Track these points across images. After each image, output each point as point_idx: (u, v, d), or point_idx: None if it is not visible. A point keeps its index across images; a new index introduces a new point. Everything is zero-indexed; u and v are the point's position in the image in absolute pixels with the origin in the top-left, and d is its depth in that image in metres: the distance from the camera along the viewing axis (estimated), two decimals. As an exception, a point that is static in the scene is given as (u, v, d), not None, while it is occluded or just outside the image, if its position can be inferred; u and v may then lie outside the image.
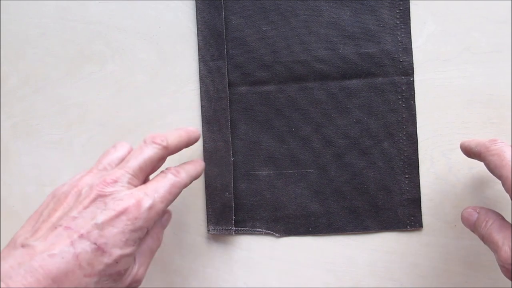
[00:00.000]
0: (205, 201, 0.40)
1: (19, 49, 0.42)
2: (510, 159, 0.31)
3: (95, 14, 0.41)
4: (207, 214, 0.40)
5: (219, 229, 0.40)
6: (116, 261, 0.27)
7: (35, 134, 0.42)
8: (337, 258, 0.40)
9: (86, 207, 0.28)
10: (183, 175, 0.32)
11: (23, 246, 0.27)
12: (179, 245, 0.41)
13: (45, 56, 0.42)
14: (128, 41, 0.41)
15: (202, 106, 0.40)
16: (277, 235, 0.40)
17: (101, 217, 0.27)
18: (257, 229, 0.40)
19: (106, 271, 0.27)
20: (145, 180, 0.32)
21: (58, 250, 0.26)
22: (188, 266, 0.41)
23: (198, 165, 0.35)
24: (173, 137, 0.33)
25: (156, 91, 0.41)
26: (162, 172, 0.32)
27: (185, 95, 0.41)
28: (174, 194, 0.31)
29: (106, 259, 0.27)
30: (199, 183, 0.40)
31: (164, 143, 0.31)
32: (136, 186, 0.30)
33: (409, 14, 0.39)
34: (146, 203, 0.28)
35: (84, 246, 0.26)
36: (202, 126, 0.40)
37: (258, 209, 0.40)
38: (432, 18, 0.39)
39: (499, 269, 0.31)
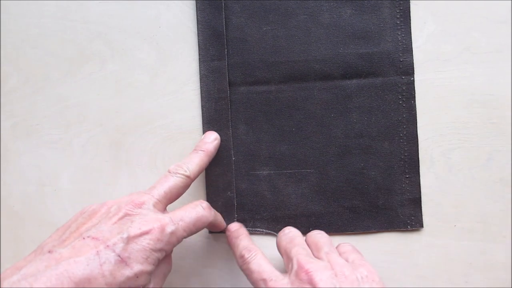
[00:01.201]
0: (205, 200, 0.40)
1: (19, 49, 0.42)
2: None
3: (95, 14, 0.41)
4: (207, 214, 0.40)
5: (220, 229, 0.40)
6: (137, 276, 0.28)
7: (35, 134, 0.42)
8: (337, 258, 0.40)
9: (114, 223, 0.30)
10: (213, 213, 0.35)
11: (50, 252, 0.28)
12: (179, 245, 0.41)
13: (45, 56, 0.42)
14: (128, 41, 0.41)
15: (202, 106, 0.40)
16: (277, 235, 0.40)
17: (127, 233, 0.29)
18: (258, 229, 0.40)
19: (126, 284, 0.28)
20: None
21: (84, 257, 0.28)
22: (188, 266, 0.41)
23: None
24: (194, 165, 0.36)
25: (156, 91, 0.41)
26: (193, 203, 0.34)
27: (185, 95, 0.41)
28: (198, 227, 0.33)
29: (128, 272, 0.28)
30: (200, 183, 0.40)
31: (187, 173, 0.35)
32: (160, 210, 0.33)
33: (409, 14, 0.39)
34: (169, 228, 0.31)
35: (109, 257, 0.28)
36: (203, 126, 0.40)
37: (259, 209, 0.40)
38: (432, 18, 0.39)
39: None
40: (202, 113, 0.40)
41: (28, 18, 0.42)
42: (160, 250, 0.30)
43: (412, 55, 0.39)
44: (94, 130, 0.41)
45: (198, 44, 0.40)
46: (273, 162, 0.40)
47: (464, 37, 0.39)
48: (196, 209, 0.33)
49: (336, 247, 0.35)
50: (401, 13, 0.39)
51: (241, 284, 0.40)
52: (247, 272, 0.34)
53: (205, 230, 0.40)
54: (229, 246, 0.38)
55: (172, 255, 0.40)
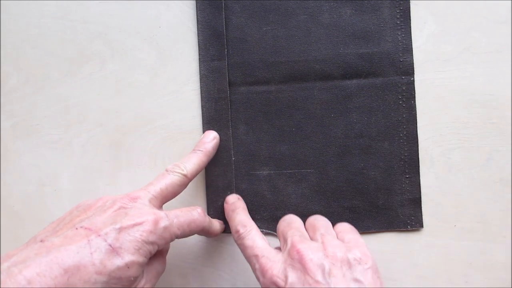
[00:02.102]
0: (205, 201, 0.40)
1: (19, 49, 0.42)
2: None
3: (95, 14, 0.41)
4: (208, 214, 0.40)
5: (220, 229, 0.40)
6: (128, 266, 0.28)
7: (35, 134, 0.42)
8: (337, 258, 0.40)
9: (108, 215, 0.30)
10: (208, 219, 0.35)
11: (42, 241, 0.28)
12: (179, 245, 0.41)
13: (45, 56, 0.42)
14: (128, 41, 0.41)
15: (202, 106, 0.40)
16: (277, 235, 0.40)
17: (120, 224, 0.29)
18: (258, 229, 0.40)
19: (117, 273, 0.28)
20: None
21: (75, 245, 0.28)
22: (188, 266, 0.41)
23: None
24: (192, 164, 0.36)
25: (156, 91, 0.41)
26: (189, 207, 0.34)
27: (185, 95, 0.41)
28: (192, 229, 0.33)
29: (118, 262, 0.28)
30: (199, 183, 0.40)
31: (184, 172, 0.35)
32: (155, 206, 0.33)
33: (409, 14, 0.39)
34: (163, 222, 0.31)
35: (100, 246, 0.28)
36: (203, 126, 0.40)
37: (259, 209, 0.40)
38: (432, 18, 0.39)
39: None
40: (202, 113, 0.40)
41: (28, 18, 0.42)
42: (152, 243, 0.30)
43: (412, 55, 0.39)
44: (94, 130, 0.41)
45: (198, 44, 0.40)
46: (273, 162, 0.40)
47: (464, 37, 0.39)
48: (192, 212, 0.33)
49: (334, 227, 0.35)
50: (401, 13, 0.39)
51: (241, 284, 0.40)
52: (241, 248, 0.34)
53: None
54: (226, 219, 0.38)
55: (173, 255, 0.40)
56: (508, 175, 0.38)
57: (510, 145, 0.38)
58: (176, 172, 0.35)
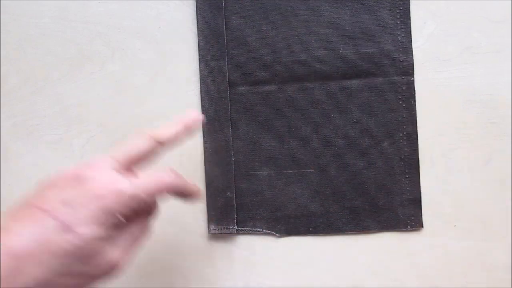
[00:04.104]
0: (205, 201, 0.40)
1: (19, 49, 0.42)
2: None
3: (95, 14, 0.41)
4: (208, 214, 0.40)
5: (221, 229, 0.40)
6: (84, 242, 0.26)
7: (35, 134, 0.42)
8: (337, 258, 0.40)
9: (60, 188, 0.27)
10: (180, 178, 0.31)
11: (3, 229, 0.26)
12: (179, 245, 0.41)
13: (45, 56, 0.42)
14: (128, 41, 0.41)
15: (202, 106, 0.40)
16: (277, 235, 0.40)
17: (74, 197, 0.27)
18: (258, 229, 0.40)
19: (73, 252, 0.26)
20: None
21: (26, 230, 0.26)
22: (188, 266, 0.41)
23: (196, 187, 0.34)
24: (165, 132, 0.32)
25: (156, 91, 0.41)
26: (160, 168, 0.31)
27: (185, 95, 0.41)
28: (162, 190, 0.30)
29: (73, 238, 0.26)
30: (199, 183, 0.40)
31: (153, 135, 0.31)
32: (120, 171, 0.29)
33: (409, 14, 0.39)
34: (126, 190, 0.28)
35: (50, 225, 0.26)
36: (203, 126, 0.40)
37: (259, 209, 0.40)
38: (432, 18, 0.39)
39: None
40: (202, 113, 0.40)
41: (28, 18, 0.42)
42: (113, 212, 0.27)
43: (412, 55, 0.39)
44: (94, 130, 0.41)
45: (198, 44, 0.40)
46: (273, 162, 0.40)
47: (464, 37, 0.39)
48: (160, 173, 0.30)
49: None
50: (401, 13, 0.39)
51: (241, 284, 0.40)
52: None
53: (205, 230, 0.40)
54: None
55: (173, 255, 0.40)
56: (508, 176, 0.38)
57: (510, 145, 0.38)
58: (144, 135, 0.31)
